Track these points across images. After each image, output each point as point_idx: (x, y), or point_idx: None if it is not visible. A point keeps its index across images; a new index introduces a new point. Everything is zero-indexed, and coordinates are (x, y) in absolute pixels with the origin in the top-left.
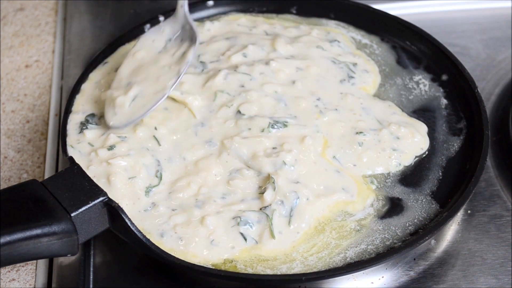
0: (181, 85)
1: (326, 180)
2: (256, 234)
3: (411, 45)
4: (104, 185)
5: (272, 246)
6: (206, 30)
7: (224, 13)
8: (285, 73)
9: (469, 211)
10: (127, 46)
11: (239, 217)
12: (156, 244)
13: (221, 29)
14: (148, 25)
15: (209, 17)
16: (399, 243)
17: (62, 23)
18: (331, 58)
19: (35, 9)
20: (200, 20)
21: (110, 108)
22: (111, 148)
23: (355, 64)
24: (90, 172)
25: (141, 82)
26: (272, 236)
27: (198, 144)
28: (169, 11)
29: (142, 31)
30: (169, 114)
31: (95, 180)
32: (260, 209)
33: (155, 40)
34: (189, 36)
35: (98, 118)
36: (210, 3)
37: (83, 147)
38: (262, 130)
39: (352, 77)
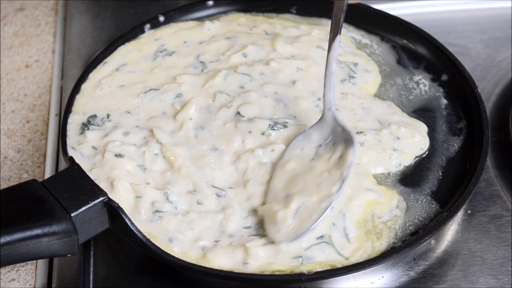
0: (180, 86)
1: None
2: (320, 264)
3: (411, 45)
4: (106, 189)
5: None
6: (206, 30)
7: (224, 12)
8: (285, 73)
9: (469, 211)
10: (127, 46)
11: (301, 256)
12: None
13: (221, 28)
14: (148, 25)
15: (209, 17)
16: (399, 243)
17: (62, 23)
18: None
19: (35, 9)
20: (200, 19)
21: (271, 224)
22: (119, 156)
23: (355, 64)
24: (92, 176)
25: (300, 193)
26: (341, 255)
27: (206, 150)
28: (169, 11)
29: (142, 31)
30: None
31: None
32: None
33: (304, 148)
34: (342, 138)
35: (100, 119)
36: (210, 3)
37: (85, 149)
38: (263, 133)
39: (353, 77)
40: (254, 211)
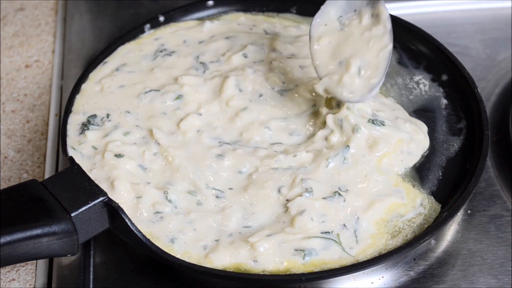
0: (181, 88)
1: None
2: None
3: (411, 45)
4: (106, 190)
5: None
6: (206, 30)
7: (224, 12)
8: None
9: (469, 211)
10: (127, 46)
11: (303, 250)
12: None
13: (220, 28)
14: (148, 25)
15: (209, 17)
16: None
17: (62, 23)
18: None
19: (35, 9)
20: (200, 19)
21: (339, 91)
22: (119, 156)
23: None
24: (92, 176)
25: (353, 56)
26: (346, 253)
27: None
28: (169, 11)
29: (142, 31)
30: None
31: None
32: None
33: (327, 24)
34: (364, 1)
35: (100, 119)
36: (210, 3)
37: (85, 149)
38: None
39: None
40: (253, 213)
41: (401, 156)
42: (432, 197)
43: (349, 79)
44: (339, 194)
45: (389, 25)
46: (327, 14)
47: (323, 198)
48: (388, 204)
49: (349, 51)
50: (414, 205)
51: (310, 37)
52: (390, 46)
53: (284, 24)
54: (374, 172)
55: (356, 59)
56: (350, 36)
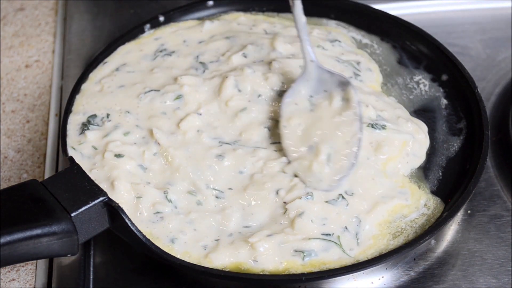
0: (181, 88)
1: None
2: (323, 259)
3: (411, 45)
4: (107, 190)
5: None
6: (206, 29)
7: (224, 12)
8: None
9: (469, 211)
10: (127, 46)
11: (302, 251)
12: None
13: (220, 28)
14: (148, 25)
15: (209, 17)
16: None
17: (62, 23)
18: (334, 57)
19: (35, 9)
20: (200, 19)
21: (309, 175)
22: (119, 156)
23: (358, 63)
24: (92, 176)
25: (323, 142)
26: (346, 254)
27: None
28: (169, 11)
29: (142, 31)
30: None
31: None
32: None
33: (298, 103)
34: (334, 83)
35: (100, 119)
36: (210, 3)
37: (85, 149)
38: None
39: (358, 74)
40: (252, 214)
41: (407, 158)
42: (438, 198)
43: (319, 166)
44: (343, 197)
45: (358, 111)
46: (298, 93)
47: (326, 202)
48: (391, 206)
49: (319, 135)
50: (418, 205)
51: (280, 116)
52: (360, 135)
53: (284, 24)
54: (380, 175)
55: (326, 145)
56: (321, 119)
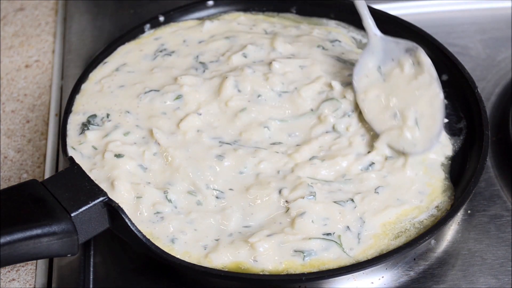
0: (181, 87)
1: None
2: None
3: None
4: (107, 190)
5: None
6: (206, 29)
7: (224, 12)
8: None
9: (469, 211)
10: (127, 46)
11: (302, 251)
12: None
13: (220, 27)
14: (148, 25)
15: (209, 17)
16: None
17: (62, 23)
18: (335, 57)
19: (35, 9)
20: (200, 19)
21: (402, 143)
22: (119, 156)
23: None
24: (92, 176)
25: (406, 108)
26: (346, 254)
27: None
28: (169, 11)
29: (142, 31)
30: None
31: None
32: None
33: (368, 75)
34: (401, 51)
35: (100, 119)
36: (210, 3)
37: (85, 149)
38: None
39: None
40: (252, 214)
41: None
42: (450, 199)
43: (410, 132)
44: (352, 200)
45: (434, 72)
46: (365, 65)
47: (334, 202)
48: (401, 210)
49: (401, 102)
50: (430, 207)
51: (355, 91)
52: (441, 95)
53: (284, 24)
54: (419, 167)
55: (410, 110)
56: (397, 87)
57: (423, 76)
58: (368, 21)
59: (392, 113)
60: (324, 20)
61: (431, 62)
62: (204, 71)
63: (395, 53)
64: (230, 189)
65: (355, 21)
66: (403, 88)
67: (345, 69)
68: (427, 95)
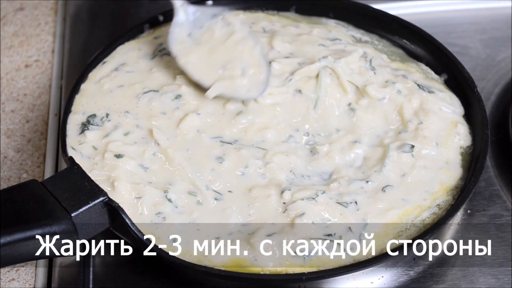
0: (180, 87)
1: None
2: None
3: (411, 44)
4: (107, 190)
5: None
6: None
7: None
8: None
9: (469, 211)
10: (126, 46)
11: (302, 251)
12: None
13: None
14: (147, 25)
15: None
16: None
17: (62, 23)
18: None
19: (35, 9)
20: None
21: (235, 90)
22: (119, 156)
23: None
24: (93, 176)
25: (231, 61)
26: (347, 254)
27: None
28: (169, 11)
29: (141, 31)
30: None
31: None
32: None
33: (182, 43)
34: (207, 17)
35: (99, 119)
36: (209, 2)
37: (85, 149)
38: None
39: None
40: (252, 214)
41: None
42: (454, 199)
43: (240, 80)
44: (356, 203)
45: (245, 29)
46: (177, 35)
47: (338, 203)
48: (404, 210)
49: (224, 58)
50: (431, 205)
51: (175, 56)
52: (258, 46)
53: (283, 23)
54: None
55: (235, 63)
56: (216, 47)
57: (236, 34)
58: None
59: (218, 68)
60: (324, 19)
61: (240, 21)
62: None
63: (202, 21)
64: (230, 189)
65: (354, 21)
66: (223, 47)
67: (357, 68)
68: (246, 49)
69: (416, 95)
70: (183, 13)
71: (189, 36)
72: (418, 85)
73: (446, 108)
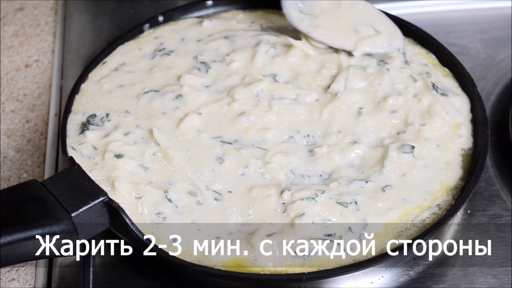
0: (181, 88)
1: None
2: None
3: (411, 45)
4: (107, 190)
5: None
6: (205, 28)
7: (224, 11)
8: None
9: (469, 211)
10: (126, 46)
11: (302, 251)
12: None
13: (218, 26)
14: (147, 25)
15: (208, 15)
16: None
17: (62, 23)
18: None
19: (35, 9)
20: (199, 17)
21: (377, 47)
22: (119, 156)
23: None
24: (93, 176)
25: (356, 24)
26: (347, 254)
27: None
28: (168, 11)
29: (141, 31)
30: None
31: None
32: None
33: (303, 18)
34: None
35: (99, 119)
36: (209, 2)
37: (85, 149)
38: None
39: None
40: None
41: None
42: (454, 199)
43: (377, 37)
44: (356, 203)
45: None
46: (294, 14)
47: (338, 203)
48: (403, 210)
49: (349, 23)
50: (431, 205)
51: (306, 32)
52: (368, 4)
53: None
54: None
55: (362, 24)
56: (335, 15)
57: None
58: None
59: (351, 32)
60: None
61: None
62: (207, 71)
63: None
64: (230, 190)
65: None
66: (341, 13)
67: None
68: (360, 9)
69: (428, 95)
70: None
71: (301, 12)
72: (433, 85)
73: (453, 112)
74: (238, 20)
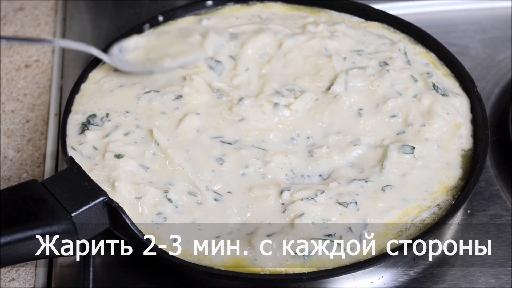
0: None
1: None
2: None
3: (411, 45)
4: (107, 190)
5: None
6: (203, 27)
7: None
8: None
9: (469, 211)
10: None
11: (302, 251)
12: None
13: (218, 24)
14: (147, 25)
15: (206, 12)
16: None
17: (62, 23)
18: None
19: (34, 9)
20: (198, 14)
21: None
22: (119, 156)
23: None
24: (93, 176)
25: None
26: (347, 254)
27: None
28: (168, 11)
29: (141, 31)
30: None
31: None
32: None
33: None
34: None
35: (99, 119)
36: (209, 2)
37: (85, 149)
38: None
39: (387, 64)
40: (252, 214)
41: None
42: (454, 198)
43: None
44: (356, 203)
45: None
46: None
47: (338, 203)
48: (403, 210)
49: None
50: (431, 205)
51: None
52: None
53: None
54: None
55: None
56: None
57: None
58: None
59: (188, 46)
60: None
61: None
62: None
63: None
64: (230, 190)
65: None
66: (163, 41)
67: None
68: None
69: (428, 95)
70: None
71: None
72: (434, 85)
73: (453, 112)
74: (238, 17)
